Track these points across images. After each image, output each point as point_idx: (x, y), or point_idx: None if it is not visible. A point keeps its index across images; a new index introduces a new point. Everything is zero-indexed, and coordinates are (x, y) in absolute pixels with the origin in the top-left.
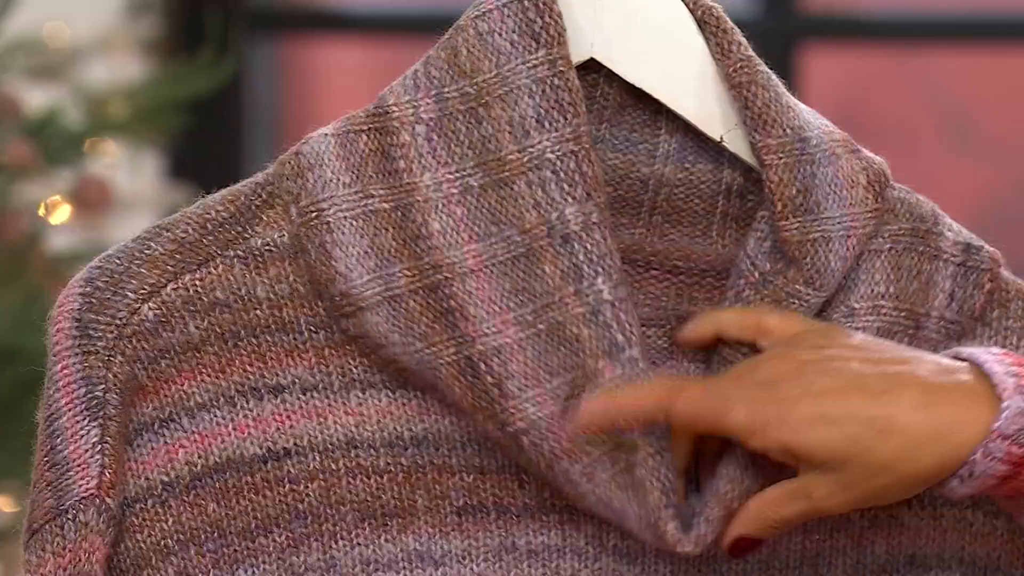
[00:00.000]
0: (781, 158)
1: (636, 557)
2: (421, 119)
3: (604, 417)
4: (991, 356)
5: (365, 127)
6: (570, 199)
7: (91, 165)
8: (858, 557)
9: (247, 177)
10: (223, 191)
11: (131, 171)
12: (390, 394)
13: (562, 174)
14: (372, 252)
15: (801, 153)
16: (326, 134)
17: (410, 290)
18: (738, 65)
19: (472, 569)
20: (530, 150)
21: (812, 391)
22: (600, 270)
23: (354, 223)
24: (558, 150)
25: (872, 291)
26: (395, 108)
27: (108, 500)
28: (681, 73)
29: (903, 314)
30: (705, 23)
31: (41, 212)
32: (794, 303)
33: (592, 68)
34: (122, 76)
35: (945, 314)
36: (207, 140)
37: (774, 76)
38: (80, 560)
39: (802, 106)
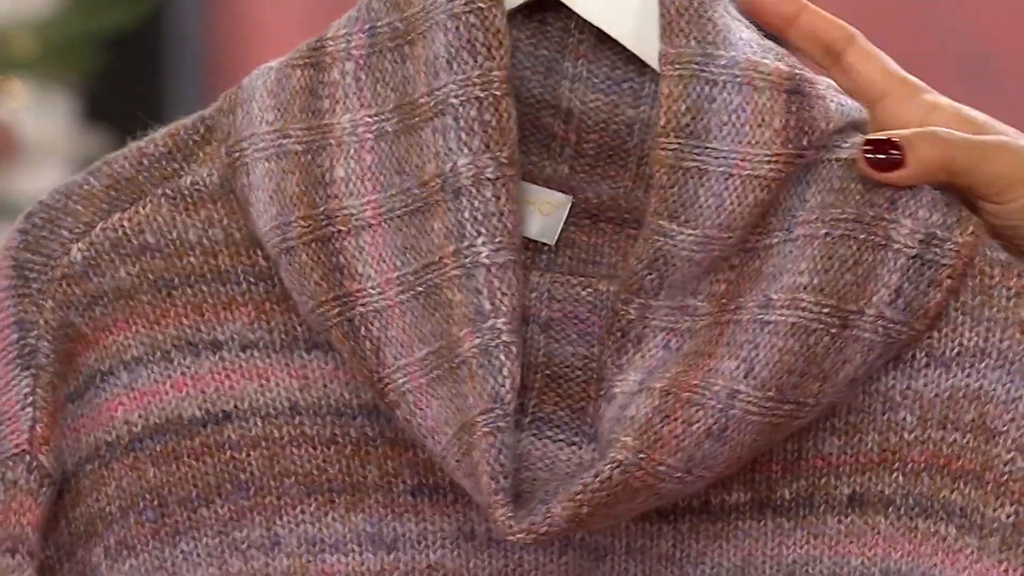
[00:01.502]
0: (676, 69)
1: (605, 554)
2: (351, 55)
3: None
4: None
5: (302, 61)
6: (465, 150)
7: None
8: (833, 568)
9: (170, 123)
10: (171, 124)
11: (39, 115)
12: (337, 356)
13: (461, 122)
14: (276, 198)
15: (701, 69)
16: (271, 67)
17: (303, 242)
18: None
19: (427, 556)
20: (437, 93)
21: None
22: (483, 231)
23: (266, 165)
24: (461, 95)
25: (794, 282)
26: (331, 42)
27: (41, 457)
28: (627, 3)
29: (826, 310)
30: None
31: None
32: (659, 240)
33: None
34: (28, 8)
35: (886, 312)
36: (125, 80)
37: None
38: (9, 522)
39: (748, 35)
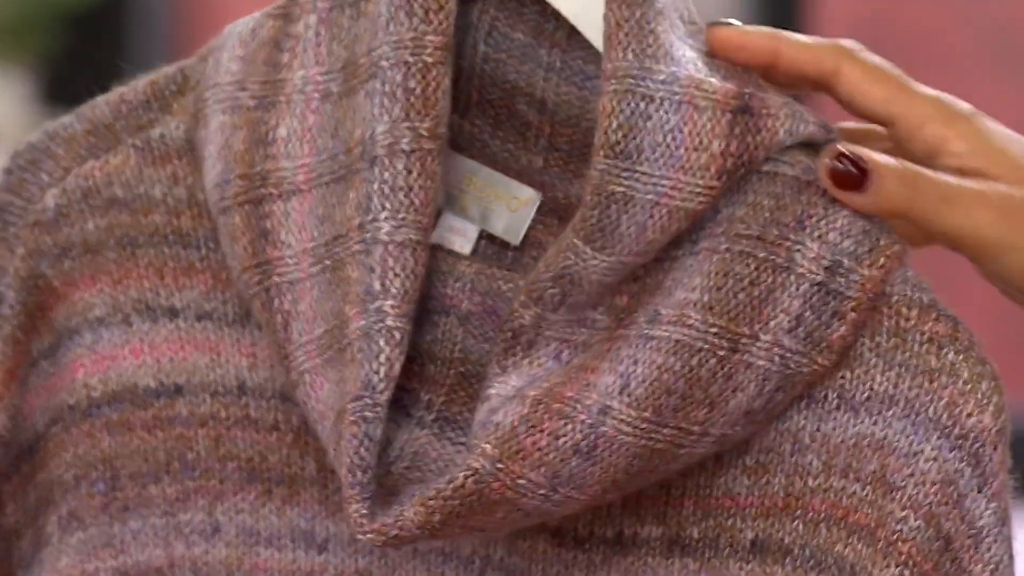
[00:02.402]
0: (612, 84)
1: (552, 562)
2: (316, 8)
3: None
4: None
5: (277, 11)
6: (384, 117)
7: None
8: None
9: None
10: (154, 72)
11: None
12: None
13: (386, 86)
14: (222, 154)
15: (637, 84)
16: (255, 16)
17: (237, 202)
18: None
19: (356, 561)
20: (373, 55)
21: None
22: (388, 205)
23: (220, 118)
24: (392, 57)
25: (684, 298)
26: None
27: None
28: None
29: (713, 330)
30: None
31: None
32: (569, 257)
33: None
34: None
35: (783, 340)
36: (87, 59)
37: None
38: None
39: (693, 54)
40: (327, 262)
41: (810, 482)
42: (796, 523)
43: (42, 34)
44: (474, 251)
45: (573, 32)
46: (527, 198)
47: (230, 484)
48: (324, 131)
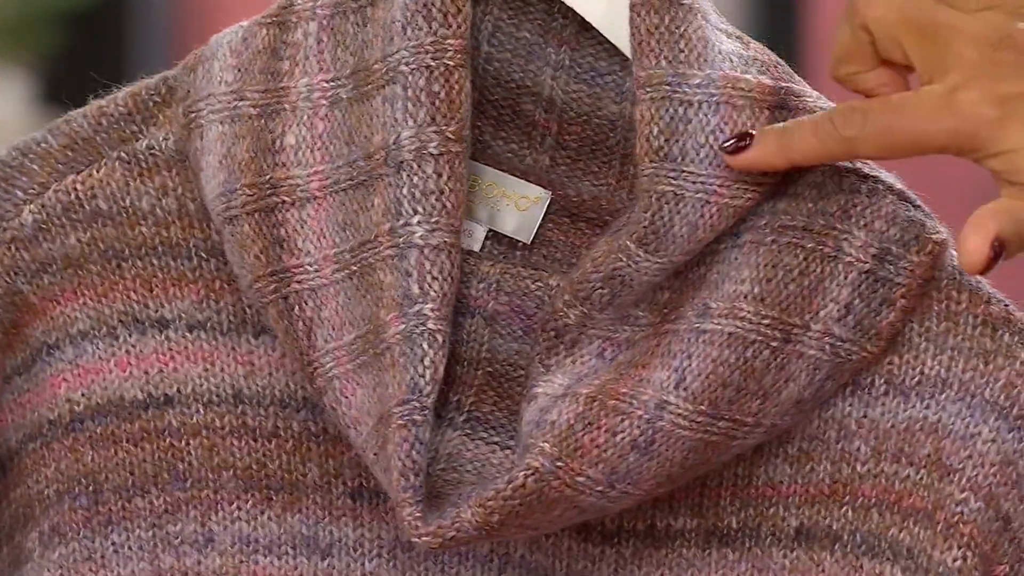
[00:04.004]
0: (648, 92)
1: (546, 574)
2: (316, 15)
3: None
4: None
5: (270, 19)
6: (410, 121)
7: None
8: None
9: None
10: (134, 83)
11: None
12: None
13: (409, 91)
14: (225, 164)
15: (673, 90)
16: (242, 25)
17: (246, 211)
18: None
19: (363, 565)
20: (390, 60)
21: None
22: (420, 209)
23: (219, 128)
24: (412, 62)
25: (734, 290)
26: (300, 0)
27: None
28: None
29: (766, 321)
30: None
31: None
32: (621, 259)
33: None
34: None
35: (834, 328)
36: (87, 59)
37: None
38: None
39: (729, 46)
40: (354, 267)
41: (858, 468)
42: (844, 509)
43: (42, 34)
44: (480, 251)
45: (582, 29)
46: (536, 197)
47: (225, 493)
48: (336, 138)
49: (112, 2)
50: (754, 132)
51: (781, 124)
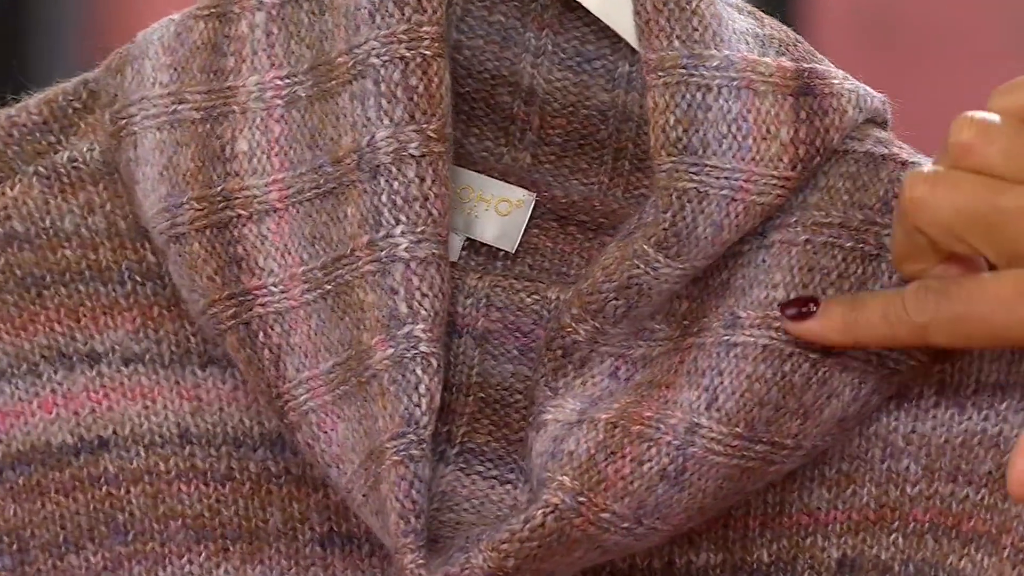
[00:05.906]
0: (660, 77)
1: None
2: (263, 4)
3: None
4: None
5: (207, 11)
6: (385, 120)
7: None
8: None
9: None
10: (48, 90)
11: None
12: (237, 374)
13: (382, 86)
14: (166, 175)
15: (689, 73)
16: (173, 18)
17: (195, 228)
18: None
19: None
20: (357, 52)
21: None
22: (403, 218)
23: (157, 135)
24: (384, 54)
25: (766, 297)
26: None
27: None
28: None
29: None
30: None
31: None
32: (637, 266)
33: None
34: None
35: None
36: None
37: None
38: None
39: (744, 23)
40: (327, 286)
41: (909, 490)
42: (894, 536)
43: None
44: (456, 263)
45: (565, 10)
46: (519, 200)
47: (173, 546)
48: (296, 142)
49: (6, 6)
50: (820, 300)
51: (849, 297)
